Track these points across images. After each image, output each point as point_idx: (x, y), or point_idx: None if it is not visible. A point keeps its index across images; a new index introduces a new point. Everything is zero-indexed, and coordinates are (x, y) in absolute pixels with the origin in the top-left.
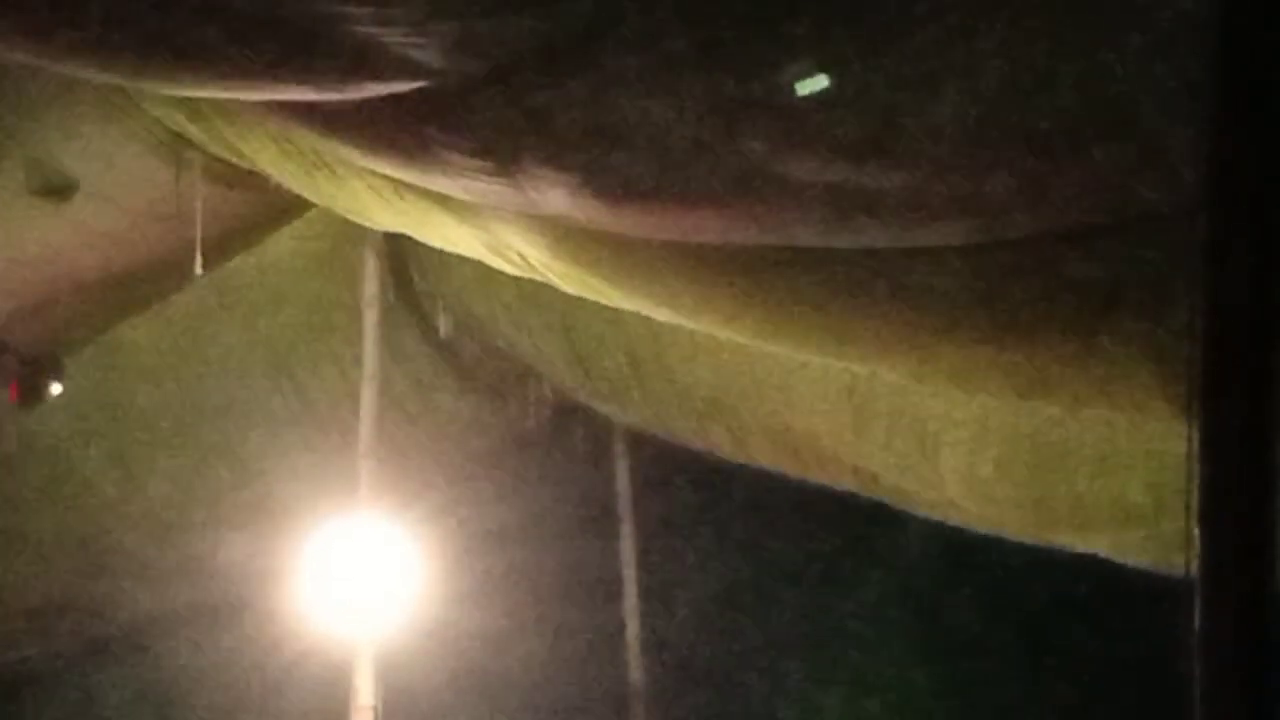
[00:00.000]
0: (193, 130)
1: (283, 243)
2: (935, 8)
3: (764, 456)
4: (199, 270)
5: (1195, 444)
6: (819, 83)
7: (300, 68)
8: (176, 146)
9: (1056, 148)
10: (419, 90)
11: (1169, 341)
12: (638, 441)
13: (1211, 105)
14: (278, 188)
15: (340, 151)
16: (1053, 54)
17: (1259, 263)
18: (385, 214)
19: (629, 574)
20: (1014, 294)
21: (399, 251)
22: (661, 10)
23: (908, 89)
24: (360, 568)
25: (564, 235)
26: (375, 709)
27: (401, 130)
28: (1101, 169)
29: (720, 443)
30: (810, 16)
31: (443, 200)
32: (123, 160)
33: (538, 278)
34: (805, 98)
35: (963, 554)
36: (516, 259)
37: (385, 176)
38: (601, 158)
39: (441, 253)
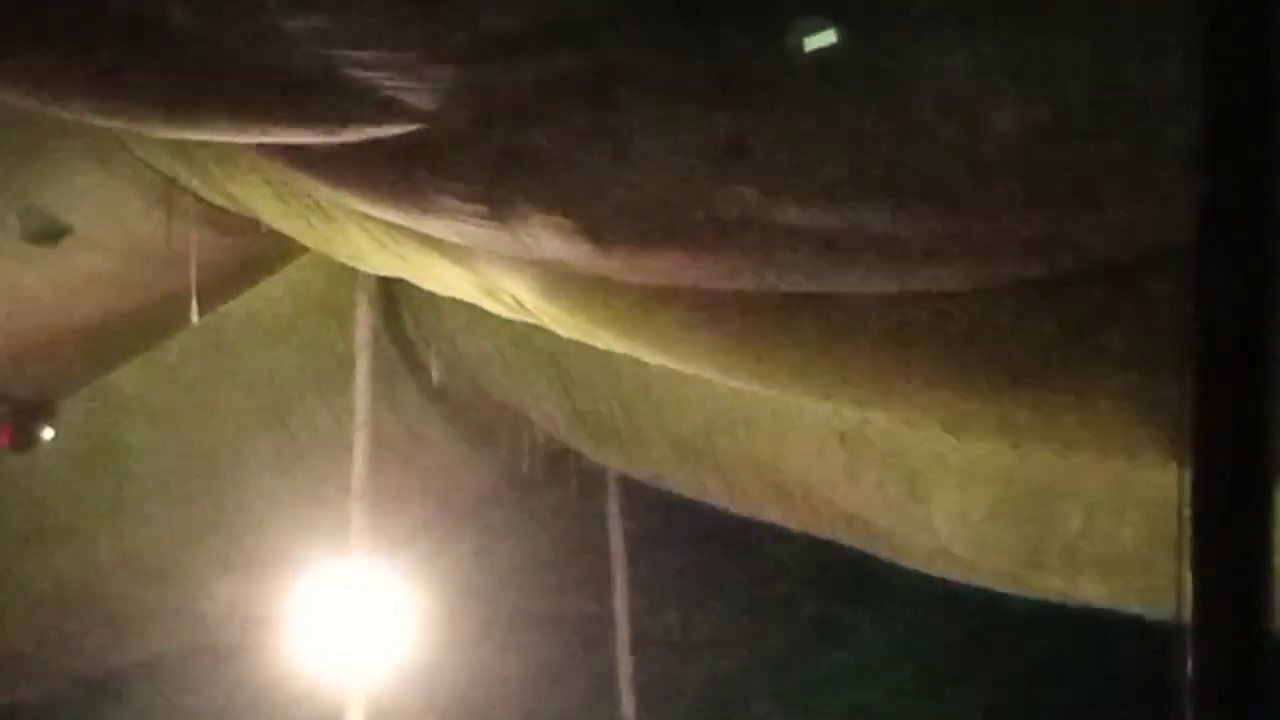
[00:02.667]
0: (186, 175)
1: (275, 287)
2: (931, 54)
3: (756, 503)
4: (195, 317)
5: (1186, 490)
6: (827, 37)
7: (294, 111)
8: (170, 191)
9: (1048, 196)
10: (412, 134)
11: (1160, 388)
12: (630, 487)
13: (1201, 153)
14: (271, 232)
15: (334, 195)
16: (1048, 101)
17: (1249, 309)
18: (379, 257)
19: (621, 619)
20: (1005, 341)
21: (392, 296)
22: (654, 57)
23: (900, 135)
24: (352, 612)
25: (557, 278)
26: None
27: (395, 174)
28: (1091, 217)
29: (712, 489)
30: (802, 61)
31: (436, 244)
32: (116, 205)
33: (531, 320)
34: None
35: (956, 608)
36: (510, 302)
37: (379, 220)
38: (594, 202)
39: (434, 297)
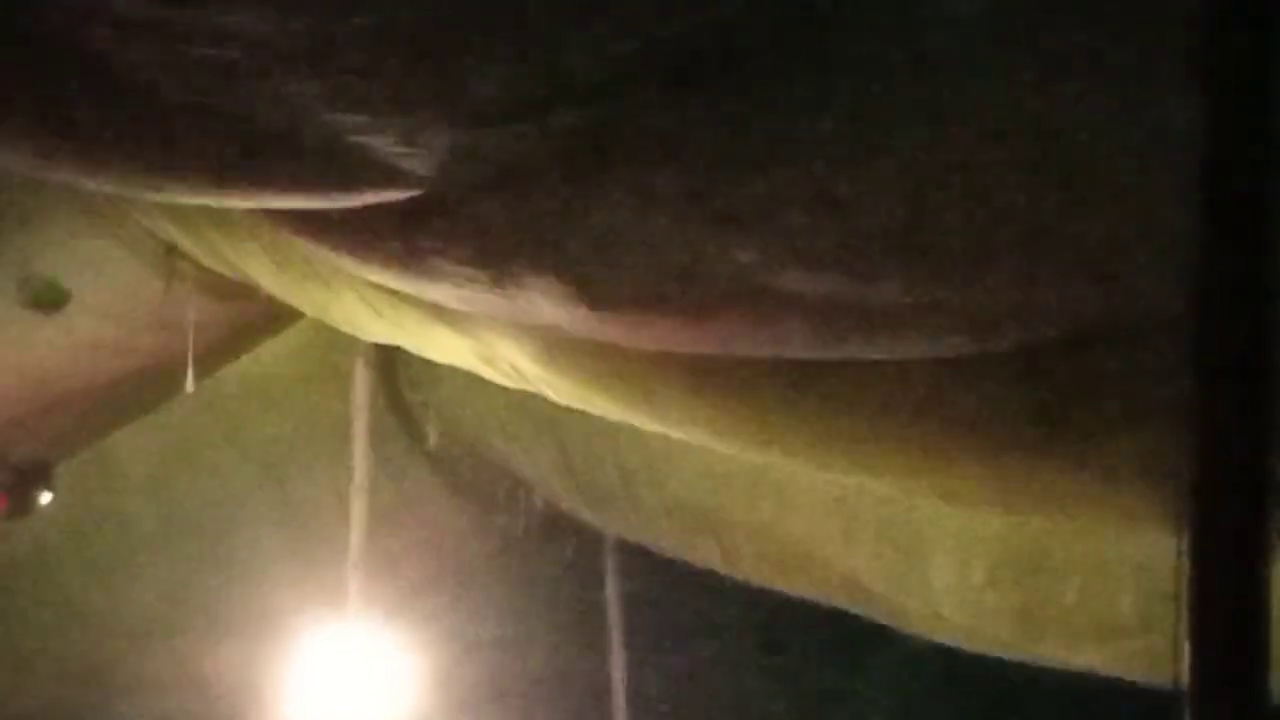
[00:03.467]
0: (184, 241)
1: (273, 351)
2: (933, 123)
3: (754, 569)
4: (190, 386)
5: (1184, 557)
6: None
7: (290, 176)
8: (168, 257)
9: (1048, 260)
10: (410, 199)
11: (1159, 453)
12: (628, 552)
13: (1199, 218)
14: (269, 297)
15: (331, 260)
16: (1045, 168)
17: (1248, 374)
18: (376, 325)
19: (619, 685)
20: (1003, 407)
21: (389, 360)
22: (653, 122)
23: (900, 205)
24: (348, 676)
25: (556, 345)
26: None
27: (392, 239)
28: (1091, 280)
29: (710, 555)
30: (800, 129)
31: (435, 311)
32: (114, 271)
33: (530, 389)
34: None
35: (956, 672)
36: (509, 369)
37: (377, 286)
38: (592, 267)
39: (431, 362)
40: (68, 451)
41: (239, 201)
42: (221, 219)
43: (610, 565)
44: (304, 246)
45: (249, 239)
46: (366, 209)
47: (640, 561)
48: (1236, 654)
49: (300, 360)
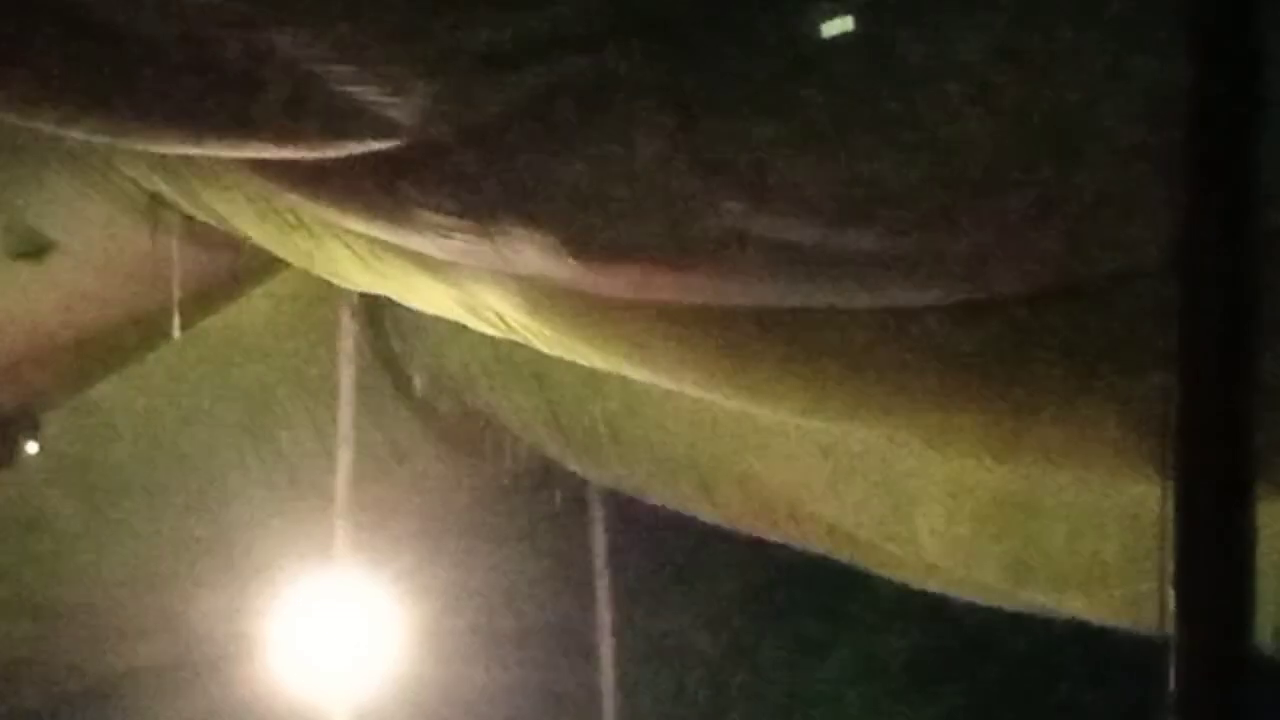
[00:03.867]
0: (168, 191)
1: (258, 301)
2: (920, 74)
3: (740, 517)
4: (176, 332)
5: (1169, 504)
6: (845, 24)
7: (277, 126)
8: (152, 207)
9: (1033, 209)
10: (396, 149)
11: (1143, 401)
12: (614, 500)
13: (1183, 166)
14: (254, 247)
15: (317, 211)
16: (1028, 118)
17: (1232, 322)
18: (362, 275)
19: (605, 633)
20: (989, 355)
21: (375, 310)
22: (638, 72)
23: (887, 153)
24: (335, 625)
25: (541, 295)
26: None
27: (378, 189)
28: (1076, 229)
29: (696, 503)
30: (785, 78)
31: (420, 260)
32: (98, 221)
33: (515, 338)
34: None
35: (938, 618)
36: (494, 319)
37: (363, 236)
38: (579, 218)
39: (418, 312)
40: (53, 401)
41: (224, 151)
42: (206, 169)
43: (596, 514)
44: (289, 197)
45: (233, 189)
46: (351, 159)
47: (626, 510)
48: (1221, 600)
49: (285, 310)
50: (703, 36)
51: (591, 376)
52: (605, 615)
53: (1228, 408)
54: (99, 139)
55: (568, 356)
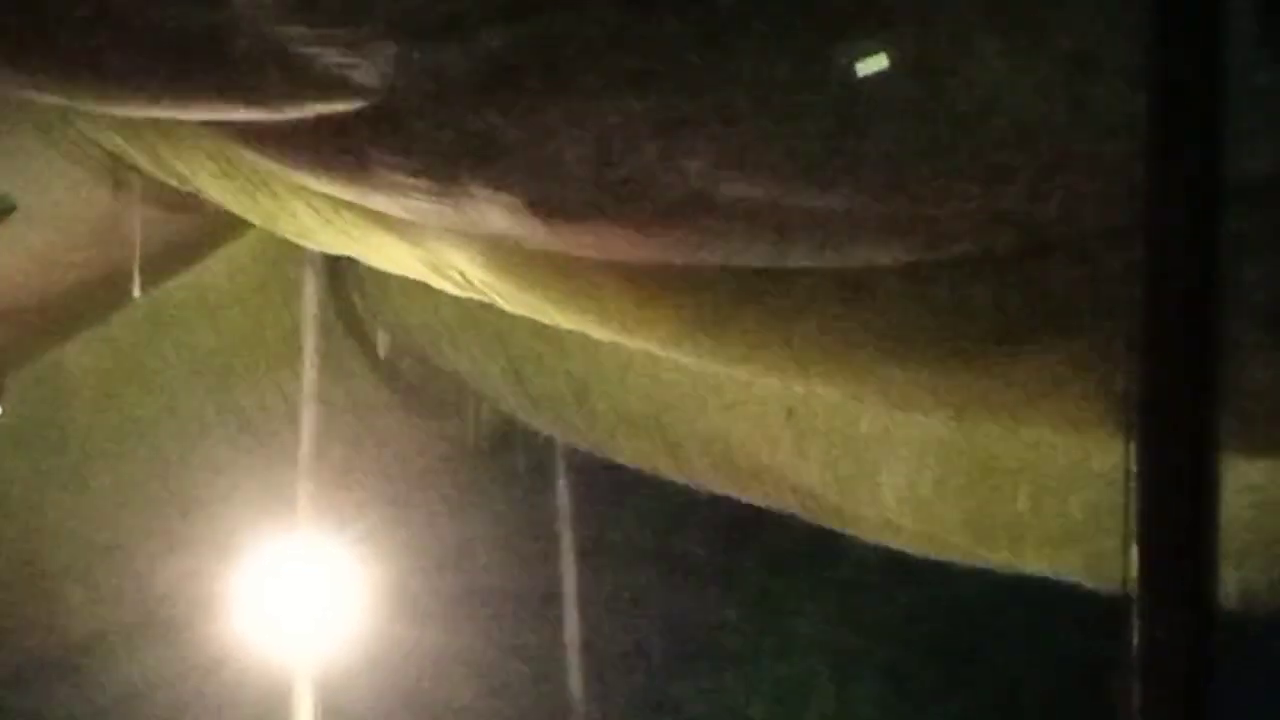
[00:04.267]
0: (130, 151)
1: (222, 262)
2: (878, 35)
3: (704, 476)
4: (136, 292)
5: (1133, 462)
6: (880, 61)
7: (240, 88)
8: (114, 168)
9: (995, 169)
10: (359, 111)
11: (1107, 360)
12: (578, 461)
13: (1146, 124)
14: (216, 208)
15: (280, 172)
16: (993, 80)
17: (1196, 280)
18: (325, 234)
19: (570, 594)
20: (952, 314)
21: (338, 271)
22: (600, 32)
23: (846, 114)
24: (299, 589)
25: (505, 254)
26: None
27: (341, 150)
28: (1039, 189)
29: (660, 462)
30: (749, 37)
31: (383, 220)
32: (60, 182)
33: (479, 297)
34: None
35: (902, 575)
36: (458, 278)
37: (325, 196)
38: (540, 178)
39: (381, 273)
40: (16, 364)
41: (185, 114)
42: (168, 130)
43: (560, 473)
44: (251, 157)
45: (196, 150)
46: (314, 120)
47: (591, 470)
48: (1184, 558)
49: (249, 271)
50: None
51: (555, 336)
52: (570, 575)
53: (1191, 367)
54: (59, 102)
55: (530, 315)
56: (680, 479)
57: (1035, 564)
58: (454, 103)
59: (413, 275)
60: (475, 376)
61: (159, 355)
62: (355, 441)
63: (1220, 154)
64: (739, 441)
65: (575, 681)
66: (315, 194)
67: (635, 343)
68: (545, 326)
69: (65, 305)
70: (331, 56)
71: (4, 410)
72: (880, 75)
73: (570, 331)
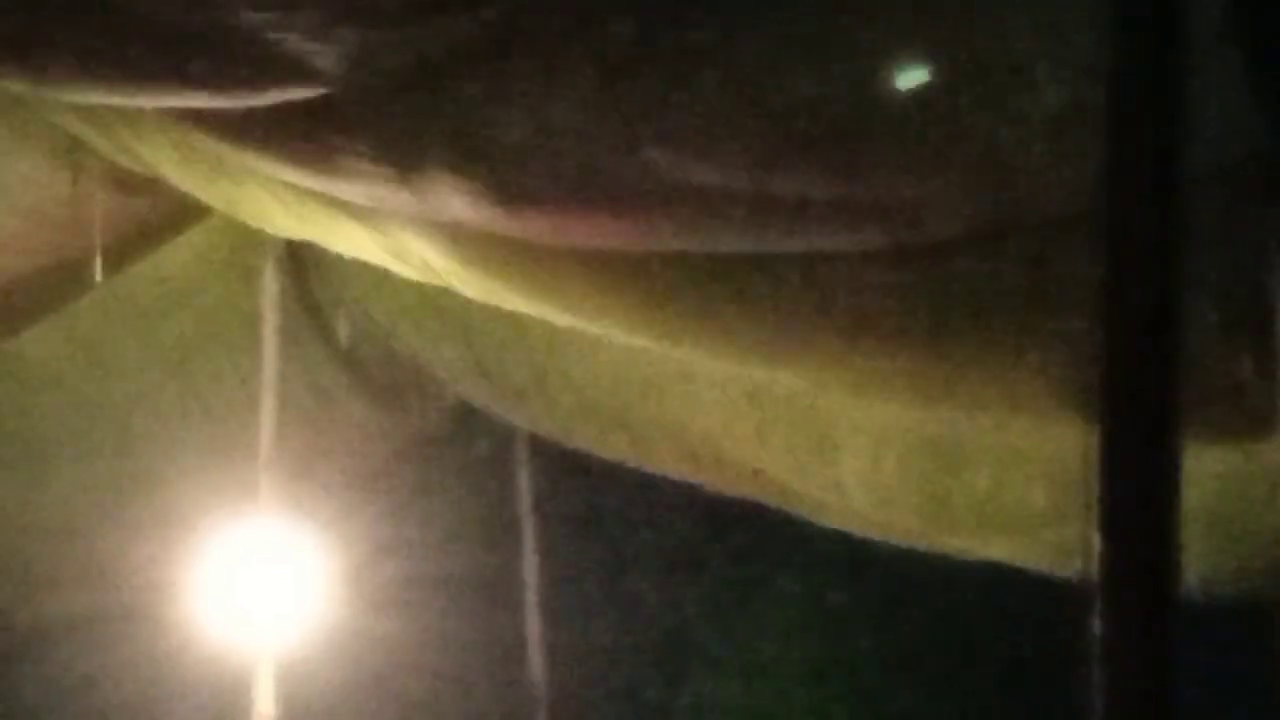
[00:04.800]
0: (91, 135)
1: (182, 249)
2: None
3: (666, 463)
4: (98, 277)
5: (1096, 448)
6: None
7: (199, 74)
8: (74, 152)
9: (959, 155)
10: (320, 97)
11: (1071, 345)
12: (541, 448)
13: (1107, 108)
14: (177, 194)
15: (241, 158)
16: (962, 64)
17: (1161, 265)
18: (287, 220)
19: (532, 582)
20: (917, 299)
21: (300, 258)
22: (564, 19)
23: (812, 100)
24: (260, 576)
25: (467, 241)
26: (274, 719)
27: (302, 137)
28: (1002, 174)
29: (622, 450)
30: (718, 22)
31: (344, 206)
32: (18, 165)
33: (440, 283)
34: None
35: (868, 561)
36: (420, 264)
37: (287, 183)
38: (502, 165)
39: (342, 259)
40: None
41: (144, 101)
42: (128, 115)
43: (524, 462)
44: (212, 144)
45: (156, 134)
46: (275, 107)
47: (554, 459)
48: (1147, 545)
49: (210, 258)
50: None
51: (518, 323)
52: (533, 564)
53: (1154, 352)
54: (17, 88)
55: (493, 302)
56: (641, 466)
57: (997, 550)
58: (416, 89)
59: (374, 261)
60: (437, 363)
61: (119, 342)
62: (317, 429)
63: (1180, 140)
64: (700, 428)
65: (538, 669)
66: (277, 181)
67: (598, 329)
68: (508, 313)
69: (24, 292)
70: (292, 42)
71: None
72: (851, 63)
73: (532, 318)
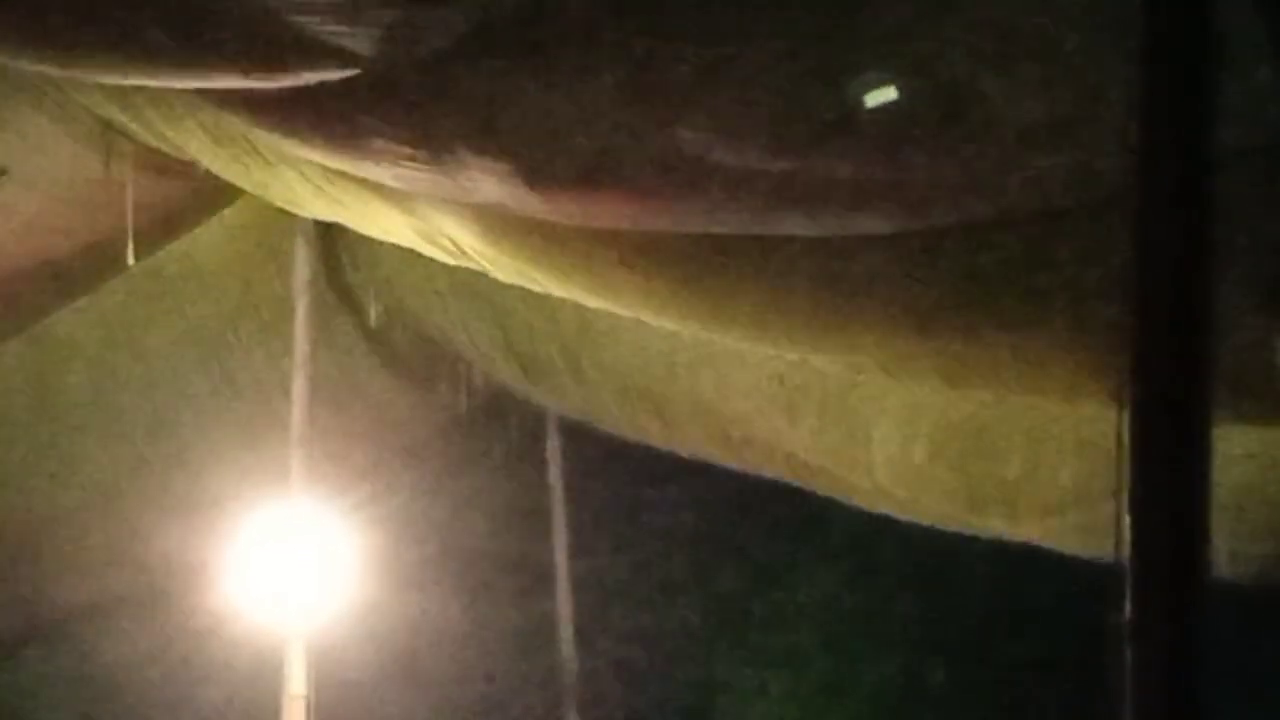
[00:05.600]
0: (123, 119)
1: (213, 231)
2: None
3: (696, 445)
4: (131, 260)
5: (1125, 431)
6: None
7: (231, 56)
8: (107, 135)
9: (985, 139)
10: (351, 78)
11: (1099, 328)
12: (571, 430)
13: (1138, 94)
14: (209, 175)
15: (271, 140)
16: (981, 52)
17: (1187, 249)
18: (317, 202)
19: (562, 563)
20: (944, 281)
21: (330, 239)
22: (595, 2)
23: (839, 82)
24: (292, 556)
25: (497, 223)
26: (307, 698)
27: (333, 118)
28: (1032, 158)
29: (653, 432)
30: (743, 6)
31: (375, 188)
32: (53, 148)
33: (471, 265)
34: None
35: (900, 544)
36: (450, 246)
37: (318, 165)
38: (534, 147)
39: (372, 241)
40: (8, 331)
41: (177, 83)
42: (160, 97)
43: (553, 443)
44: (243, 126)
45: (188, 117)
46: (307, 89)
47: (584, 439)
48: (1176, 527)
49: (241, 239)
50: None
51: (548, 305)
52: (562, 545)
53: (1183, 334)
54: (50, 70)
55: (523, 284)
56: (671, 448)
57: (1027, 532)
58: (447, 71)
59: (405, 244)
60: (467, 345)
61: (151, 323)
62: (347, 410)
63: (1210, 123)
64: (730, 409)
65: (567, 647)
66: (307, 162)
67: (627, 311)
68: (538, 295)
69: (58, 274)
70: (324, 24)
71: None
72: (876, 48)
73: (562, 300)
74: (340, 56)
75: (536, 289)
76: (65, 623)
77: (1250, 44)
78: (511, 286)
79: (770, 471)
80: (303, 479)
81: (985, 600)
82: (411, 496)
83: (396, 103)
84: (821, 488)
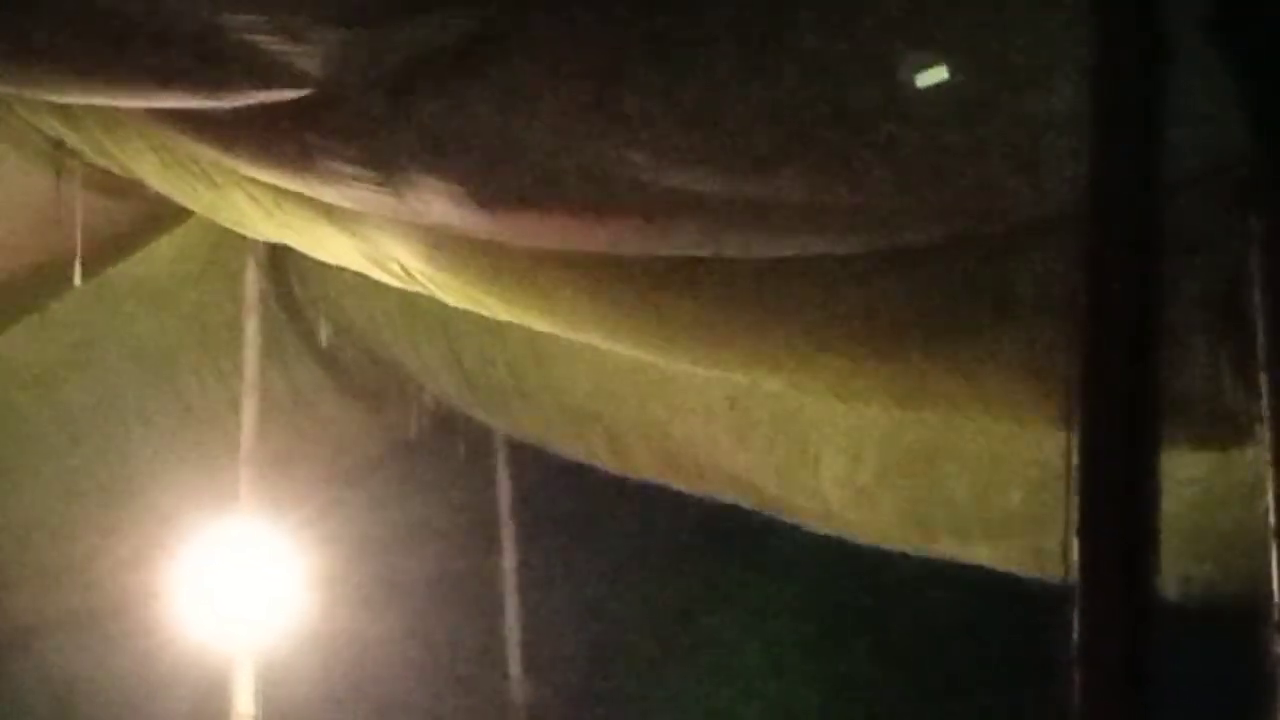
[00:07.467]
0: (71, 138)
1: (162, 250)
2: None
3: (645, 467)
4: (78, 279)
5: (1073, 454)
6: (940, 74)
7: (181, 75)
8: (57, 154)
9: (940, 160)
10: (302, 98)
11: (1048, 351)
12: (519, 451)
13: (1090, 115)
14: (158, 196)
15: (221, 161)
16: (938, 77)
17: (1138, 273)
18: (266, 224)
19: (510, 584)
20: (893, 303)
21: (280, 259)
22: (546, 22)
23: (786, 105)
24: (240, 575)
25: (445, 245)
26: (254, 717)
27: (283, 138)
28: (984, 180)
29: (601, 454)
30: (696, 31)
31: (325, 210)
32: (1, 167)
33: (419, 289)
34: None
35: (848, 564)
36: (398, 270)
37: (266, 186)
38: (482, 167)
39: (322, 261)
40: None
41: (129, 102)
42: (109, 117)
43: (501, 463)
44: (191, 145)
45: (136, 137)
46: (258, 108)
47: (532, 460)
48: (1125, 549)
49: (190, 259)
50: None
51: (497, 327)
52: (510, 565)
53: (1133, 359)
54: (2, 89)
55: (470, 307)
56: (620, 470)
57: (977, 554)
58: (399, 91)
59: (353, 268)
60: (416, 365)
61: (100, 342)
62: (296, 430)
63: (1160, 148)
64: (680, 433)
65: (515, 668)
66: (256, 185)
67: (575, 334)
68: (487, 317)
69: (5, 292)
70: (275, 44)
71: None
72: (827, 71)
73: (512, 322)
74: (291, 76)
75: (483, 312)
76: (15, 639)
77: (1199, 70)
78: (460, 309)
79: (720, 493)
80: (252, 498)
81: (937, 618)
82: (360, 515)
83: (349, 123)
84: (771, 509)
